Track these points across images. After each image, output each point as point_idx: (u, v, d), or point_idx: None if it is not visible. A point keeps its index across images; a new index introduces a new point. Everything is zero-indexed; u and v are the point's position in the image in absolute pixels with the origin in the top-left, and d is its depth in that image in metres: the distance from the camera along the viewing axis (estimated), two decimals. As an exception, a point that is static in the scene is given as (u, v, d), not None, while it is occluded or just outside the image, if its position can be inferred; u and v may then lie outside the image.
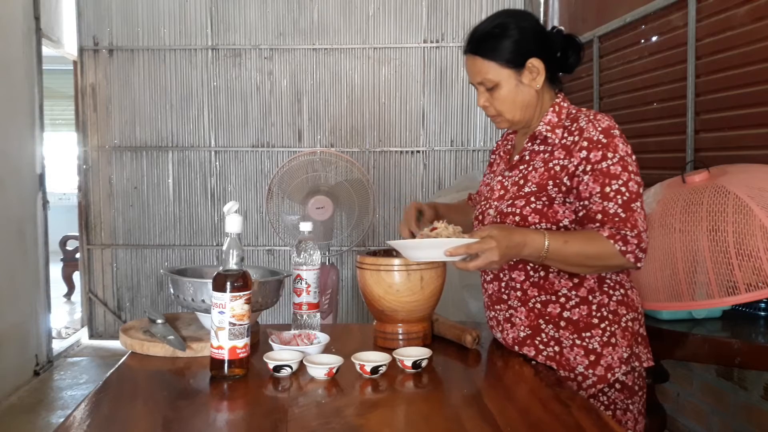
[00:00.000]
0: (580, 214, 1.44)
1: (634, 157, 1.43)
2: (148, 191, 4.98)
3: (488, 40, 1.49)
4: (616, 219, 1.38)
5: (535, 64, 1.49)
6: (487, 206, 1.59)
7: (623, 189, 1.39)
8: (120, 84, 4.92)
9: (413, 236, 1.60)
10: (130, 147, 4.96)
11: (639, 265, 1.39)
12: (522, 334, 1.51)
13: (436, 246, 1.35)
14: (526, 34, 1.48)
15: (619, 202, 1.38)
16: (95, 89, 4.93)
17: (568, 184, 1.44)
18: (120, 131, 4.95)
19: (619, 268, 1.45)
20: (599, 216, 1.40)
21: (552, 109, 1.53)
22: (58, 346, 4.64)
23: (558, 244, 1.37)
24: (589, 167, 1.41)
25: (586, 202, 1.42)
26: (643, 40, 3.23)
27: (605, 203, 1.39)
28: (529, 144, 1.55)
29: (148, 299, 5.03)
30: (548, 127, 1.51)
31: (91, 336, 5.05)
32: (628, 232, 1.37)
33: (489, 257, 1.32)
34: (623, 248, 1.36)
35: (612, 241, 1.36)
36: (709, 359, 1.84)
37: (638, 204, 1.39)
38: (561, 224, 1.46)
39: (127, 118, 4.94)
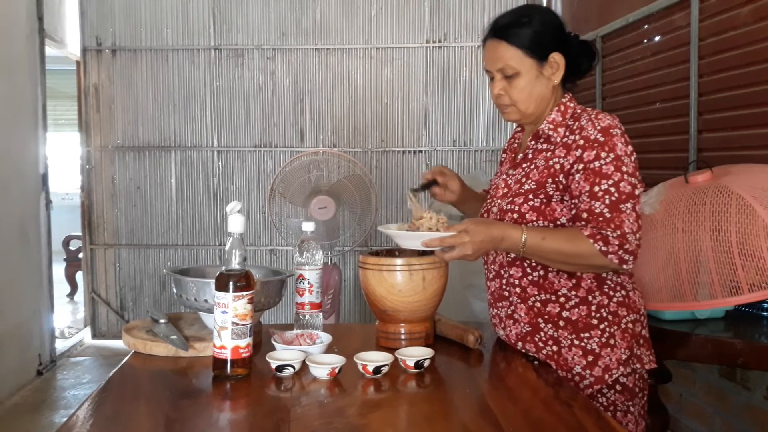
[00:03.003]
0: (573, 212, 1.45)
1: (633, 157, 1.42)
2: (150, 191, 4.98)
3: (516, 27, 1.49)
4: (600, 219, 1.38)
5: (556, 59, 1.50)
6: (492, 204, 1.60)
7: (612, 189, 1.38)
8: (123, 84, 4.93)
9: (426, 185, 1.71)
10: (133, 147, 4.96)
11: (625, 267, 1.38)
12: (524, 330, 1.52)
13: (415, 237, 1.45)
14: (551, 29, 1.50)
15: (607, 201, 1.38)
16: (98, 89, 4.94)
17: (564, 182, 1.45)
18: (123, 131, 4.95)
19: (606, 269, 1.45)
20: (585, 215, 1.40)
21: (557, 108, 1.53)
22: (61, 345, 4.65)
23: (536, 240, 1.39)
24: (581, 166, 1.42)
25: (576, 201, 1.43)
26: (645, 40, 3.22)
27: (592, 202, 1.39)
28: (533, 142, 1.55)
29: (151, 299, 5.04)
30: (551, 126, 1.51)
31: (94, 336, 5.06)
32: (609, 233, 1.36)
33: (462, 250, 1.39)
34: (603, 248, 1.36)
35: (592, 241, 1.36)
36: (711, 360, 1.83)
37: (628, 205, 1.38)
38: (558, 222, 1.47)
39: (130, 118, 4.94)
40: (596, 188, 1.39)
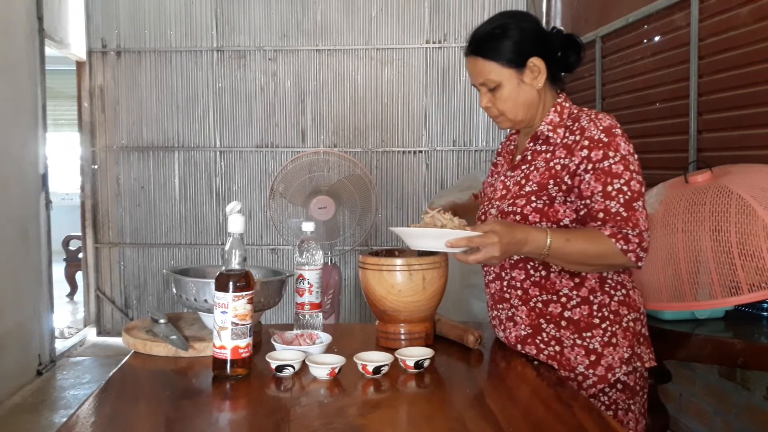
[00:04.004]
0: (582, 213, 1.45)
1: (635, 156, 1.43)
2: (154, 191, 5.04)
3: (489, 41, 1.49)
4: (618, 218, 1.38)
5: (536, 63, 1.49)
6: (490, 206, 1.59)
7: (625, 188, 1.39)
8: (127, 85, 4.99)
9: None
10: (137, 147, 5.02)
11: (640, 264, 1.39)
12: (523, 333, 1.52)
13: (438, 236, 1.36)
14: (527, 34, 1.49)
15: (621, 201, 1.38)
16: (103, 90, 5.00)
17: (569, 183, 1.45)
18: (127, 132, 5.02)
19: (620, 267, 1.45)
20: (601, 215, 1.40)
21: (554, 109, 1.53)
22: (60, 345, 4.65)
23: (560, 242, 1.38)
24: (590, 166, 1.41)
25: (588, 201, 1.42)
26: (645, 40, 3.22)
27: (607, 202, 1.39)
28: (531, 144, 1.55)
29: (155, 297, 5.09)
30: (550, 127, 1.51)
31: (99, 333, 5.14)
32: (629, 231, 1.37)
33: (490, 252, 1.33)
34: (624, 247, 1.36)
35: (613, 240, 1.36)
36: (711, 360, 1.84)
37: (640, 203, 1.39)
38: (561, 223, 1.47)
39: (135, 118, 5.00)
40: (609, 188, 1.39)
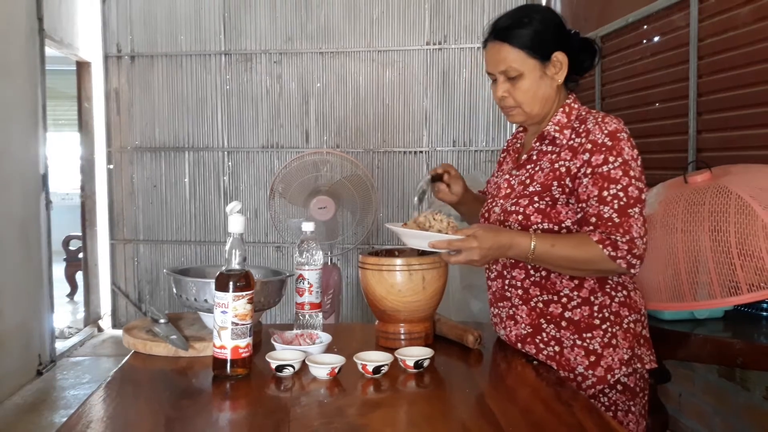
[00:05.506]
0: (579, 216, 1.45)
1: (639, 161, 1.42)
2: (166, 190, 5.18)
3: (516, 28, 1.47)
4: (609, 224, 1.38)
5: (559, 58, 1.49)
6: (494, 204, 1.59)
7: (621, 194, 1.38)
8: (141, 88, 5.13)
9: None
10: (150, 148, 5.16)
11: (633, 271, 1.39)
12: (524, 332, 1.52)
13: (422, 237, 1.43)
14: (553, 28, 1.49)
15: (615, 206, 1.38)
16: (118, 93, 5.16)
17: (571, 185, 1.45)
18: (140, 133, 5.16)
19: (612, 273, 1.45)
20: (593, 219, 1.40)
21: (562, 109, 1.52)
22: (60, 345, 4.66)
23: (545, 247, 1.38)
24: (589, 170, 1.41)
25: (584, 205, 1.42)
26: (645, 41, 3.22)
27: (601, 207, 1.39)
28: (537, 144, 1.55)
29: (166, 292, 5.21)
30: (557, 128, 1.51)
31: (114, 326, 5.35)
32: (618, 238, 1.36)
33: (469, 255, 1.38)
34: (612, 253, 1.36)
35: (601, 246, 1.36)
36: (711, 360, 1.84)
37: (636, 210, 1.38)
38: (564, 225, 1.46)
39: (147, 120, 5.15)
40: (605, 193, 1.39)
